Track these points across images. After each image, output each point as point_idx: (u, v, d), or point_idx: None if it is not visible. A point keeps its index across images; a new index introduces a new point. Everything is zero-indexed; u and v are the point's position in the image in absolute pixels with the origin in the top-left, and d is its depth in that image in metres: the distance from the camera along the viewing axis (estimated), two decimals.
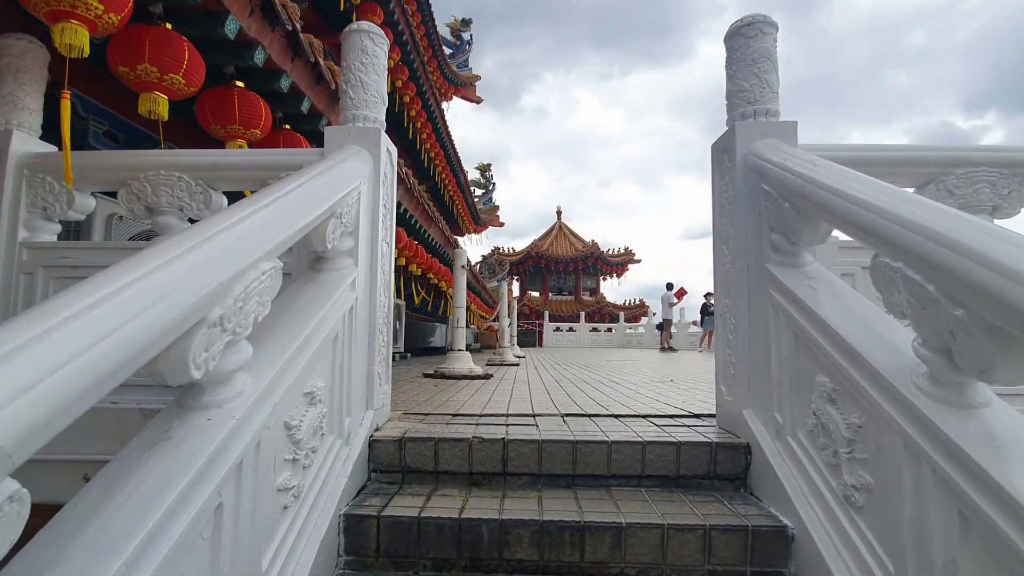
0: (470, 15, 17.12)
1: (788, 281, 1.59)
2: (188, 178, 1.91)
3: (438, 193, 14.29)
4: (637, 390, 3.41)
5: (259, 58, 2.77)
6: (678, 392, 3.27)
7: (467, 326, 16.28)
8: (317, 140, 3.19)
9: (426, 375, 4.45)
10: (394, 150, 2.14)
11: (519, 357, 9.28)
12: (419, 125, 10.14)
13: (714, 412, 2.13)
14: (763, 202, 1.72)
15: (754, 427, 1.72)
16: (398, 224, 5.68)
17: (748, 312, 1.81)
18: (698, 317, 17.13)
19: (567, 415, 2.19)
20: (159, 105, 2.47)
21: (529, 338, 22.51)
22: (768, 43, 1.87)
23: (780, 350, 1.62)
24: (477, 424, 2.02)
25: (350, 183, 1.67)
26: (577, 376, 4.70)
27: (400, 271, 7.12)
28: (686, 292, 14.12)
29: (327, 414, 1.52)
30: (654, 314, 32.54)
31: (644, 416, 2.17)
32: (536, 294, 30.21)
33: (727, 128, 1.96)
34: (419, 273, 7.48)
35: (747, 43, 1.88)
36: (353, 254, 1.75)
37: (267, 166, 1.92)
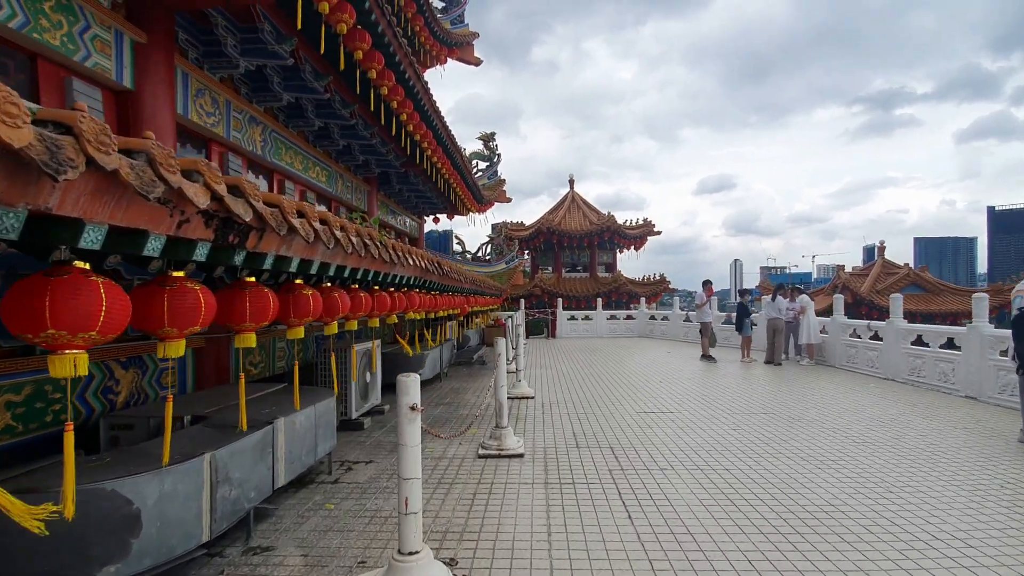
0: None
1: None
2: None
3: (430, 179, 12.25)
4: None
5: None
6: None
7: (468, 327, 14.37)
8: None
9: None
10: None
11: (526, 398, 7.48)
12: (395, 104, 8.03)
13: None
14: None
15: None
16: (338, 285, 3.79)
17: None
18: (725, 316, 15.07)
19: None
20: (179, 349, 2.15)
21: (542, 325, 20.76)
22: None
23: None
24: None
25: None
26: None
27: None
28: (713, 292, 12.08)
29: None
30: (673, 289, 30.51)
31: None
32: (549, 270, 28.23)
33: None
34: (393, 320, 5.63)
35: None
36: None
37: None
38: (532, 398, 7.50)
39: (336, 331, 3.73)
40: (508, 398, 7.47)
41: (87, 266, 1.71)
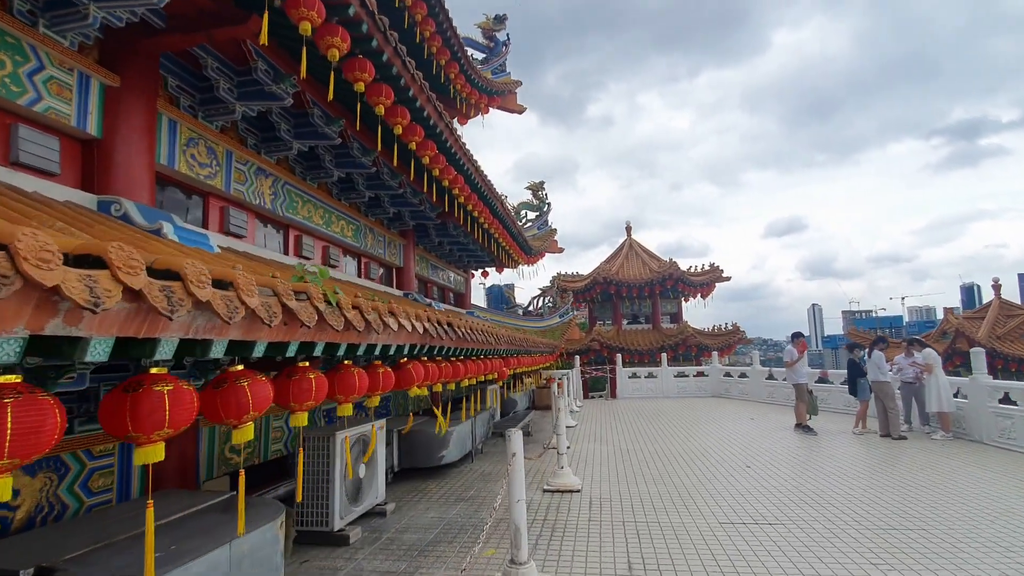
0: (516, 20, 14.18)
1: None
2: None
3: (469, 230, 11.36)
4: None
5: None
6: None
7: (514, 390, 12.87)
8: None
9: None
10: None
11: (570, 492, 5.92)
12: (414, 145, 7.20)
13: None
14: None
15: None
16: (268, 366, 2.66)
17: None
18: (818, 373, 12.68)
19: None
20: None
21: (603, 383, 18.93)
22: None
23: None
24: None
25: None
26: None
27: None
28: (807, 347, 9.97)
29: None
30: (750, 342, 27.62)
31: None
32: (608, 323, 26.43)
33: None
34: (373, 403, 4.42)
35: None
36: None
37: None
38: (578, 491, 5.91)
39: (251, 436, 2.55)
40: (546, 490, 5.98)
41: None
